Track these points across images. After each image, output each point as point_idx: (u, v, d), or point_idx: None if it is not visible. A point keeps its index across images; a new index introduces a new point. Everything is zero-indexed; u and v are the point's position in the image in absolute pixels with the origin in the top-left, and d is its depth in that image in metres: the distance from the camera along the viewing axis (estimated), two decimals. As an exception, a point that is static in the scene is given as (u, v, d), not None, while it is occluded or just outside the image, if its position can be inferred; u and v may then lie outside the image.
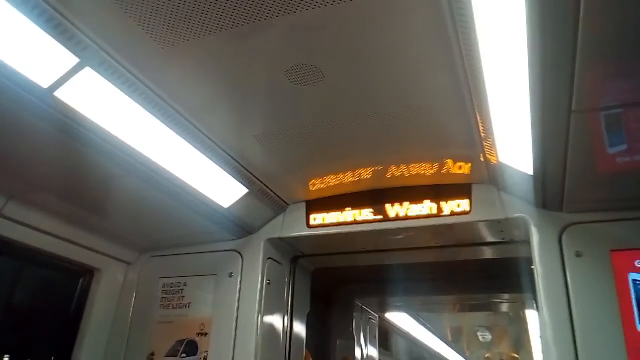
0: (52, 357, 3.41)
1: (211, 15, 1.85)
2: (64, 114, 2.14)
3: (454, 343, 9.96)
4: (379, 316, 6.17)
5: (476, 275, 4.51)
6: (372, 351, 5.78)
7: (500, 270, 4.03)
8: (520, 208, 2.95)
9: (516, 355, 10.17)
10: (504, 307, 5.92)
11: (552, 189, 2.63)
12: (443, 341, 9.24)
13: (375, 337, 5.95)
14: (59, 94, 2.06)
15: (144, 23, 1.89)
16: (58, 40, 1.86)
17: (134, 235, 3.57)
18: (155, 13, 1.84)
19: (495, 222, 3.07)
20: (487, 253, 3.69)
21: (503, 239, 3.36)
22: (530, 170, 2.52)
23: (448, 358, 10.23)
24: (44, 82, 2.00)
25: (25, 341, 3.34)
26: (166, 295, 3.59)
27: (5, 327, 3.22)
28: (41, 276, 3.51)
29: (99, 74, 2.05)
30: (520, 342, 9.00)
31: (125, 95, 2.19)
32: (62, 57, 1.93)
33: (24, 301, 3.44)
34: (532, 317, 5.76)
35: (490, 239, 3.40)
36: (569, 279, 2.69)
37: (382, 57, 2.08)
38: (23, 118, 2.12)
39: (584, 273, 2.67)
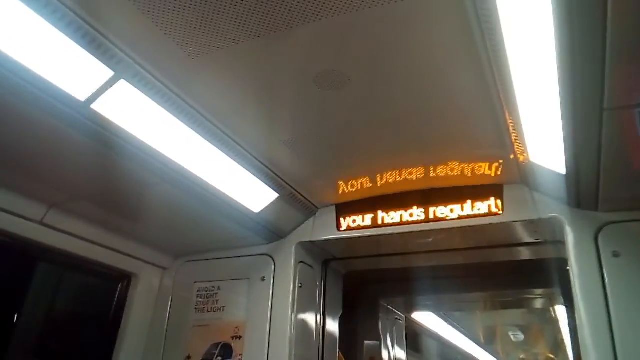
0: (93, 360, 3.51)
1: (239, 25, 1.89)
2: (100, 125, 2.22)
3: (486, 344, 9.78)
4: (407, 317, 6.12)
5: (506, 273, 4.43)
6: (400, 352, 5.74)
7: (531, 267, 3.95)
8: (553, 208, 2.90)
9: (552, 356, 9.93)
10: (536, 304, 5.80)
11: (586, 188, 2.58)
12: (475, 342, 9.09)
13: (402, 337, 5.90)
14: (96, 106, 2.13)
15: (174, 35, 1.94)
16: (94, 55, 1.93)
17: (168, 241, 3.66)
18: (185, 25, 1.89)
19: (528, 222, 3.02)
20: (521, 254, 3.64)
21: (537, 239, 3.30)
22: (562, 170, 2.48)
23: (480, 359, 10.05)
24: (81, 96, 2.07)
25: (66, 346, 3.44)
26: (201, 300, 3.66)
27: (47, 333, 3.32)
28: (81, 282, 3.62)
29: (133, 85, 2.11)
30: (557, 341, 8.78)
31: (157, 105, 2.25)
32: (97, 71, 2.00)
33: (65, 307, 3.55)
34: (560, 314, 5.63)
35: (523, 239, 3.35)
36: (606, 279, 2.62)
37: (407, 60, 2.08)
38: (62, 130, 2.20)
39: (622, 273, 2.61)
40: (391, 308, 5.67)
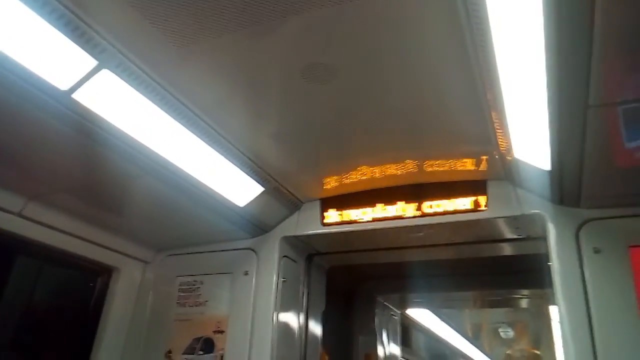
0: (71, 355, 3.46)
1: (225, 16, 1.86)
2: (82, 115, 2.18)
3: (476, 340, 9.89)
4: (400, 313, 6.15)
5: (496, 271, 4.48)
6: (394, 348, 5.77)
7: (520, 266, 4.00)
8: (536, 204, 2.93)
9: (538, 352, 10.08)
10: (525, 303, 5.86)
11: (569, 185, 2.61)
12: (464, 338, 9.19)
13: (397, 333, 5.93)
14: (77, 96, 2.09)
15: (159, 24, 1.91)
16: (77, 43, 1.88)
17: (151, 234, 3.62)
18: (171, 14, 1.86)
19: (511, 218, 3.05)
20: (505, 250, 3.67)
21: (520, 235, 3.33)
22: (546, 166, 2.50)
23: (469, 355, 10.17)
24: (63, 85, 2.03)
25: (45, 340, 3.39)
26: (183, 294, 3.63)
27: (25, 327, 3.27)
28: (61, 275, 3.57)
29: (117, 75, 2.07)
30: (542, 338, 8.91)
31: (142, 96, 2.21)
32: (80, 60, 1.96)
33: (44, 300, 3.49)
34: (553, 313, 5.70)
35: (507, 235, 3.37)
36: (587, 275, 2.66)
37: (395, 54, 2.08)
38: (42, 120, 2.16)
39: (603, 269, 2.64)
40: (387, 304, 5.70)
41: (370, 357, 5.20)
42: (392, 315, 5.88)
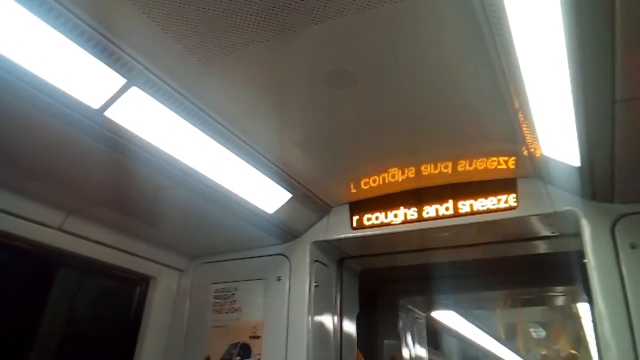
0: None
1: (247, 28, 1.91)
2: (114, 132, 2.26)
3: (508, 341, 9.70)
4: (426, 316, 6.10)
5: (526, 269, 4.39)
6: (421, 351, 5.72)
7: (552, 264, 3.93)
8: (569, 201, 2.88)
9: (575, 352, 9.82)
10: (557, 301, 5.73)
11: (601, 180, 2.56)
12: (496, 339, 9.02)
13: (423, 336, 5.88)
14: (109, 113, 2.17)
15: (183, 41, 1.97)
16: (105, 63, 1.96)
17: (185, 243, 3.70)
18: (193, 30, 1.92)
19: (543, 216, 3.00)
20: (537, 248, 3.60)
21: (553, 232, 3.27)
22: (576, 162, 2.46)
23: (502, 357, 9.98)
24: (95, 104, 2.11)
25: (88, 350, 3.50)
26: (218, 301, 3.69)
27: (68, 338, 3.37)
28: (100, 286, 3.68)
29: (145, 92, 2.14)
30: (578, 337, 8.67)
31: (170, 111, 2.27)
32: (110, 79, 2.04)
33: (85, 311, 3.60)
34: (583, 310, 5.57)
35: (539, 233, 3.32)
36: (624, 271, 2.60)
37: (416, 57, 2.09)
38: (77, 138, 2.25)
39: None
40: (410, 307, 5.66)
41: None
42: (417, 318, 5.83)
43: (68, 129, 2.18)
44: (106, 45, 1.90)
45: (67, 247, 3.05)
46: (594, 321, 3.04)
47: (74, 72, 1.97)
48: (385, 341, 5.25)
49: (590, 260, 2.72)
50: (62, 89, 1.99)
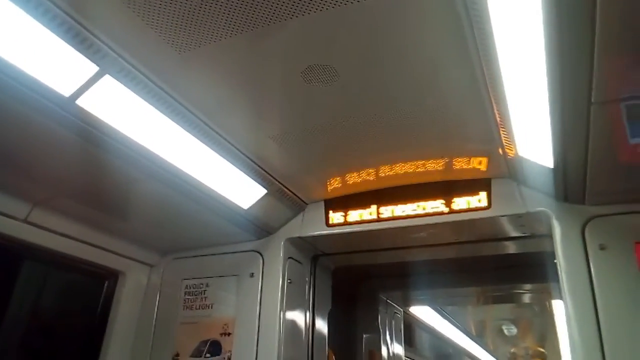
0: (80, 359, 3.47)
1: (226, 20, 1.87)
2: (85, 121, 2.19)
3: (479, 338, 9.85)
4: (404, 311, 6.15)
5: (499, 267, 4.46)
6: (398, 346, 5.77)
7: (523, 261, 3.99)
8: (541, 202, 2.92)
9: (542, 350, 10.03)
10: (530, 298, 5.84)
11: (573, 182, 2.60)
12: (468, 336, 9.15)
13: (400, 331, 5.92)
14: (81, 102, 2.10)
15: (160, 29, 1.91)
16: (78, 50, 1.89)
17: (156, 238, 3.62)
18: (171, 19, 1.87)
19: (515, 216, 3.04)
20: (509, 248, 3.66)
21: (524, 233, 3.32)
22: (550, 164, 2.50)
23: (473, 354, 10.13)
24: (66, 91, 2.03)
25: (53, 345, 3.40)
26: (189, 297, 3.63)
27: (33, 332, 3.28)
28: (67, 280, 3.58)
29: (119, 81, 2.08)
30: (547, 335, 8.86)
31: (144, 101, 2.22)
32: (82, 66, 1.97)
33: (51, 306, 3.51)
34: (558, 309, 5.68)
35: (511, 233, 3.37)
36: (593, 272, 2.65)
37: (396, 55, 2.08)
38: (46, 127, 2.17)
39: (609, 266, 2.64)
40: (390, 302, 5.69)
41: (374, 355, 5.20)
42: (396, 312, 5.87)
43: (37, 117, 2.10)
44: (79, 30, 1.83)
45: (32, 239, 2.95)
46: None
47: (44, 58, 1.90)
48: (365, 335, 5.27)
49: (561, 260, 2.77)
50: (31, 75, 1.92)
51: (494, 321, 8.72)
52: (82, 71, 1.99)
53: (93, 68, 1.99)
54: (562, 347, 7.05)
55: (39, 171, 2.61)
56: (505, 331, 8.98)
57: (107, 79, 2.05)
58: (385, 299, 5.58)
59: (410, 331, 6.83)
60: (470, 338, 9.32)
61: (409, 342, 6.56)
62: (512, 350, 10.49)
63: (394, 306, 5.82)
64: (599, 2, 1.43)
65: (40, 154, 2.44)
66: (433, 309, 6.99)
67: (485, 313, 8.27)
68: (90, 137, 2.27)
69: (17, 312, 3.14)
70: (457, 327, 8.30)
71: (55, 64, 1.93)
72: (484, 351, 10.49)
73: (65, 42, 1.85)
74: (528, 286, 5.14)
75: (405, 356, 5.97)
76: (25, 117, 2.10)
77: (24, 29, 1.77)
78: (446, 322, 7.75)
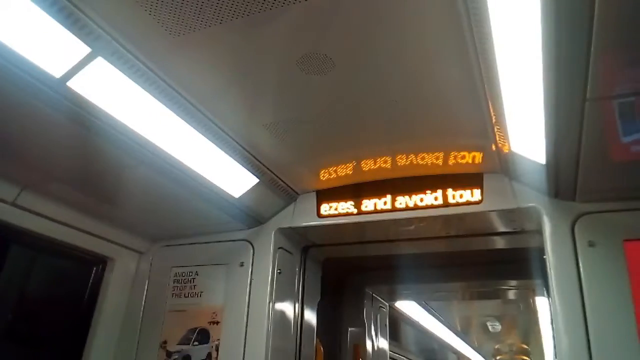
0: (66, 345, 3.45)
1: (222, 4, 1.85)
2: (76, 104, 2.16)
3: (464, 334, 9.92)
4: (389, 305, 6.17)
5: (486, 262, 4.49)
6: (383, 340, 5.79)
7: (510, 258, 4.01)
8: (532, 198, 2.93)
9: (526, 347, 10.12)
10: (515, 295, 5.87)
11: (564, 179, 2.61)
12: (453, 332, 9.21)
13: (386, 325, 5.95)
14: (72, 84, 2.07)
15: (155, 13, 1.89)
16: (70, 30, 1.86)
17: (146, 225, 3.60)
18: (167, 2, 1.84)
19: (507, 211, 3.05)
20: (499, 243, 3.67)
21: (515, 228, 3.34)
22: (542, 160, 2.50)
23: (458, 349, 10.20)
24: (57, 72, 2.01)
25: (39, 330, 3.38)
26: (178, 285, 3.62)
27: (19, 317, 3.25)
28: (55, 266, 3.55)
29: (111, 63, 2.05)
30: (530, 332, 8.93)
31: (136, 85, 2.19)
32: (74, 47, 1.94)
33: (38, 290, 3.48)
34: (542, 306, 5.72)
35: (501, 228, 3.38)
36: (581, 269, 2.67)
37: (393, 46, 2.07)
38: (36, 108, 2.13)
39: (597, 263, 2.65)
40: (375, 296, 5.71)
41: (359, 349, 5.22)
42: (381, 307, 5.89)
43: (26, 98, 2.07)
44: (71, 10, 1.80)
45: (20, 223, 2.91)
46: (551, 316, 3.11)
47: (35, 38, 1.87)
48: (350, 329, 5.28)
49: (550, 256, 2.79)
50: (21, 54, 1.89)
51: (478, 317, 8.77)
52: (74, 52, 1.96)
53: (85, 49, 1.96)
54: (545, 345, 7.10)
55: (28, 154, 2.57)
56: (490, 328, 9.04)
57: (100, 61, 2.02)
58: (371, 293, 5.59)
59: (395, 326, 6.85)
60: (455, 334, 9.38)
61: (394, 336, 6.59)
62: (497, 346, 10.58)
63: (380, 300, 5.83)
64: (597, -3, 1.43)
65: (30, 136, 2.40)
66: (419, 304, 7.02)
67: (470, 309, 8.32)
68: (81, 120, 2.24)
69: (3, 297, 3.11)
70: (442, 322, 8.35)
71: (46, 45, 1.90)
72: (469, 347, 10.57)
73: (58, 22, 1.82)
74: (513, 282, 5.16)
75: (391, 351, 6.00)
76: (15, 98, 2.06)
77: (15, 8, 1.74)
78: (431, 317, 7.79)
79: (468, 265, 4.64)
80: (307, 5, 1.84)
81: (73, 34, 1.88)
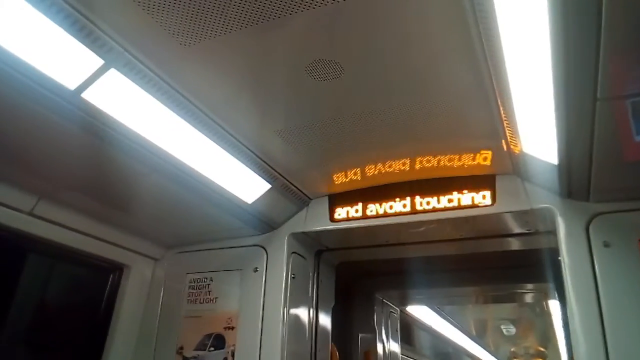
0: (84, 352, 3.49)
1: (231, 13, 1.87)
2: (91, 114, 2.19)
3: (478, 337, 9.84)
4: (400, 310, 6.14)
5: (498, 266, 4.46)
6: (394, 345, 5.76)
7: (524, 261, 3.98)
8: (545, 198, 2.91)
9: (543, 349, 10.01)
10: (528, 298, 5.82)
11: (578, 179, 2.59)
12: (467, 336, 9.15)
13: (397, 331, 5.92)
14: (86, 95, 2.11)
15: (165, 23, 1.92)
16: (84, 43, 1.90)
17: (160, 232, 3.64)
18: (177, 13, 1.87)
19: (520, 213, 3.03)
20: (512, 244, 3.65)
21: (528, 230, 3.32)
22: (554, 160, 2.49)
23: (473, 353, 10.12)
24: (71, 85, 2.04)
25: (58, 338, 3.42)
26: (193, 291, 3.65)
27: (38, 325, 3.30)
28: (72, 273, 3.59)
29: (124, 74, 2.09)
30: (547, 335, 8.84)
31: (149, 95, 2.23)
32: (88, 60, 1.98)
33: (56, 298, 3.52)
34: (557, 309, 5.67)
35: (515, 230, 3.36)
36: (597, 269, 2.64)
37: (401, 49, 2.07)
38: (51, 120, 2.17)
39: (613, 263, 2.63)
40: (386, 301, 5.68)
41: (370, 355, 5.19)
42: (392, 312, 5.87)
43: (42, 110, 2.11)
44: (84, 24, 1.84)
45: (37, 232, 2.95)
46: (564, 319, 3.08)
47: (50, 51, 1.91)
48: (361, 335, 5.26)
49: (565, 258, 2.76)
50: (37, 68, 1.93)
51: (493, 321, 8.70)
52: (87, 65, 2.00)
53: (98, 62, 2.00)
54: (562, 347, 7.02)
55: (44, 164, 2.62)
56: (505, 331, 8.97)
57: (113, 72, 2.06)
58: (381, 298, 5.56)
59: (408, 330, 6.82)
60: (470, 337, 9.31)
61: (407, 340, 6.56)
62: (512, 349, 10.48)
63: (390, 305, 5.81)
64: (605, -3, 1.42)
65: (46, 147, 2.45)
66: (431, 308, 6.97)
67: (483, 313, 8.26)
68: (96, 130, 2.28)
69: (22, 306, 3.15)
70: (456, 326, 8.29)
71: (60, 57, 1.94)
72: (484, 351, 10.47)
73: (71, 35, 1.86)
74: (528, 286, 5.12)
75: (405, 355, 5.96)
76: (31, 110, 2.10)
77: (29, 22, 1.78)
78: (445, 321, 7.74)
79: (480, 269, 4.61)
80: (314, 13, 1.86)
81: (86, 46, 1.92)
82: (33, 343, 3.26)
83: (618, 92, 1.85)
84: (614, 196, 2.70)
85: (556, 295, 4.51)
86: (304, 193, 3.45)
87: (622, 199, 2.69)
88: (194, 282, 3.68)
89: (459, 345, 9.22)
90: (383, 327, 5.54)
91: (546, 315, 6.87)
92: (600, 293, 2.59)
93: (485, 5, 1.71)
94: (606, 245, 2.66)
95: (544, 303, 6.19)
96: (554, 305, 5.65)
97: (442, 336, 8.26)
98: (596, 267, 2.65)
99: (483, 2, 1.71)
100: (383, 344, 5.47)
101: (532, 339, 9.73)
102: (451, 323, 8.02)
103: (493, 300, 6.41)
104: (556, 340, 7.23)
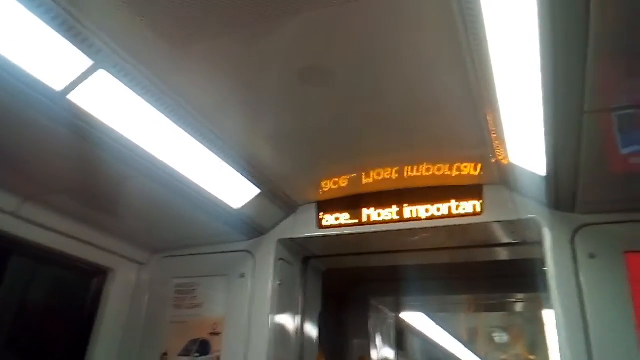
0: (66, 357, 3.44)
1: (223, 17, 1.87)
2: (77, 116, 2.17)
3: (470, 344, 9.88)
4: (395, 316, 6.13)
5: (491, 275, 4.48)
6: (389, 351, 5.76)
7: (515, 270, 4.01)
8: (532, 209, 2.93)
9: (532, 358, 10.06)
10: (519, 308, 5.86)
11: (564, 190, 2.61)
12: (460, 342, 9.18)
13: (391, 337, 5.92)
14: (73, 96, 2.08)
15: (156, 25, 1.91)
16: (72, 43, 1.88)
17: (146, 236, 3.60)
18: (167, 15, 1.86)
19: (507, 223, 3.05)
20: (500, 254, 3.67)
21: (515, 240, 3.33)
22: (542, 171, 2.50)
23: (463, 359, 10.15)
24: (58, 85, 2.02)
25: (40, 342, 3.38)
26: (179, 296, 3.61)
27: (20, 328, 3.25)
28: (56, 276, 3.55)
29: (113, 76, 2.06)
30: (537, 343, 8.88)
31: (138, 97, 2.20)
32: (76, 60, 1.95)
33: (39, 301, 3.48)
34: (548, 317, 5.70)
35: (503, 240, 3.38)
36: (582, 280, 2.66)
37: (392, 58, 2.08)
38: (37, 121, 2.15)
39: (598, 275, 2.64)
40: (381, 307, 5.68)
41: None
42: (387, 318, 5.86)
43: (28, 111, 2.08)
44: (73, 24, 1.82)
45: (21, 234, 2.92)
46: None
47: (36, 51, 1.88)
48: (355, 340, 5.25)
49: (550, 268, 2.78)
50: (22, 68, 1.90)
51: (484, 328, 8.74)
52: (75, 65, 1.98)
53: (87, 62, 1.98)
54: (551, 356, 7.07)
55: (29, 165, 2.59)
56: (497, 338, 9.01)
57: (101, 73, 2.03)
58: (376, 305, 5.57)
59: (401, 336, 6.83)
60: (462, 344, 9.34)
61: (401, 346, 6.56)
62: (503, 357, 10.52)
63: (385, 312, 5.81)
64: (593, 10, 1.44)
65: (31, 148, 2.42)
66: (425, 315, 6.99)
67: (476, 320, 8.30)
68: (82, 132, 2.26)
69: (4, 308, 3.11)
70: (449, 333, 8.32)
71: (48, 58, 1.92)
72: (476, 357, 10.51)
73: (60, 35, 1.83)
74: (519, 295, 5.15)
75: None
76: (16, 110, 2.08)
77: (16, 21, 1.76)
78: (438, 328, 7.76)
79: (473, 279, 4.63)
80: (307, 19, 1.86)
81: (75, 46, 1.90)
82: (15, 346, 3.21)
83: (605, 105, 1.87)
84: (600, 208, 2.72)
85: (547, 304, 4.54)
86: (292, 199, 3.44)
87: (608, 210, 2.71)
88: (180, 287, 3.64)
89: (450, 353, 9.24)
90: (378, 334, 5.54)
91: (537, 323, 6.92)
92: (586, 304, 2.60)
93: (475, 17, 1.73)
94: (591, 256, 2.68)
95: (536, 312, 6.23)
96: (544, 314, 5.68)
97: (435, 343, 8.29)
98: (581, 278, 2.66)
99: (474, 14, 1.72)
100: (377, 350, 5.46)
101: (522, 346, 9.77)
102: (444, 329, 8.04)
103: (486, 308, 6.44)
104: (546, 348, 7.27)
